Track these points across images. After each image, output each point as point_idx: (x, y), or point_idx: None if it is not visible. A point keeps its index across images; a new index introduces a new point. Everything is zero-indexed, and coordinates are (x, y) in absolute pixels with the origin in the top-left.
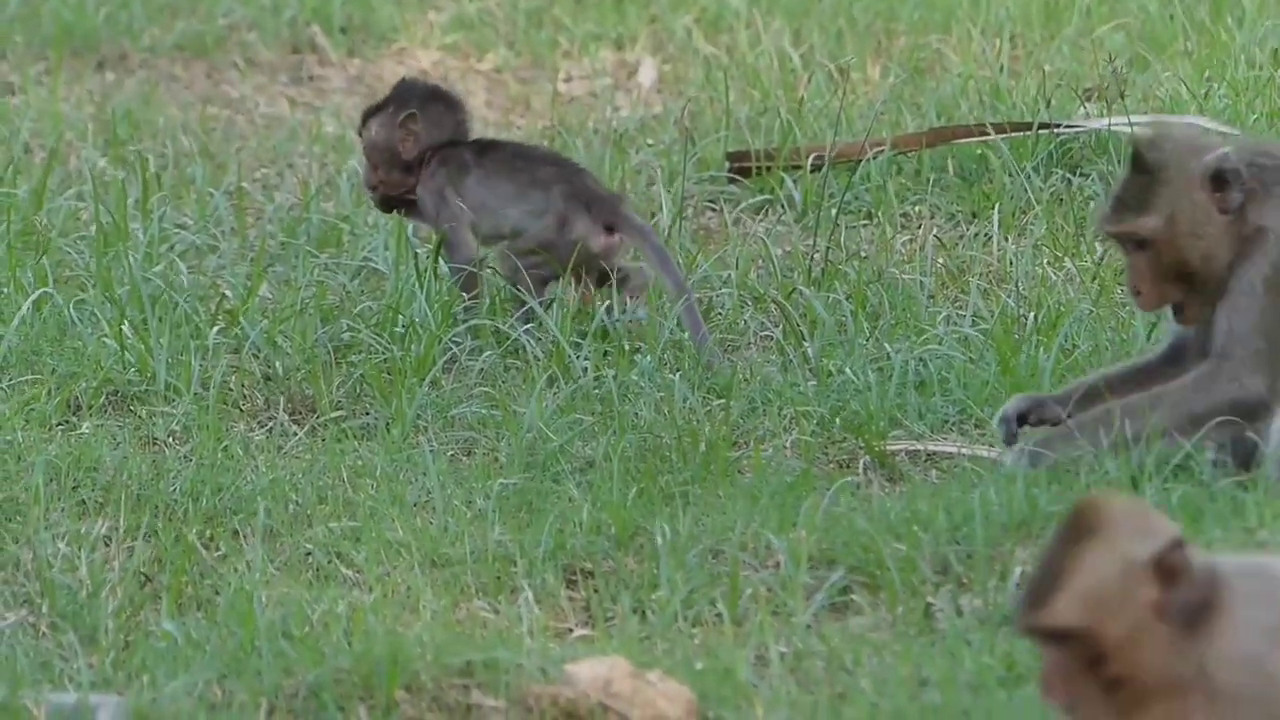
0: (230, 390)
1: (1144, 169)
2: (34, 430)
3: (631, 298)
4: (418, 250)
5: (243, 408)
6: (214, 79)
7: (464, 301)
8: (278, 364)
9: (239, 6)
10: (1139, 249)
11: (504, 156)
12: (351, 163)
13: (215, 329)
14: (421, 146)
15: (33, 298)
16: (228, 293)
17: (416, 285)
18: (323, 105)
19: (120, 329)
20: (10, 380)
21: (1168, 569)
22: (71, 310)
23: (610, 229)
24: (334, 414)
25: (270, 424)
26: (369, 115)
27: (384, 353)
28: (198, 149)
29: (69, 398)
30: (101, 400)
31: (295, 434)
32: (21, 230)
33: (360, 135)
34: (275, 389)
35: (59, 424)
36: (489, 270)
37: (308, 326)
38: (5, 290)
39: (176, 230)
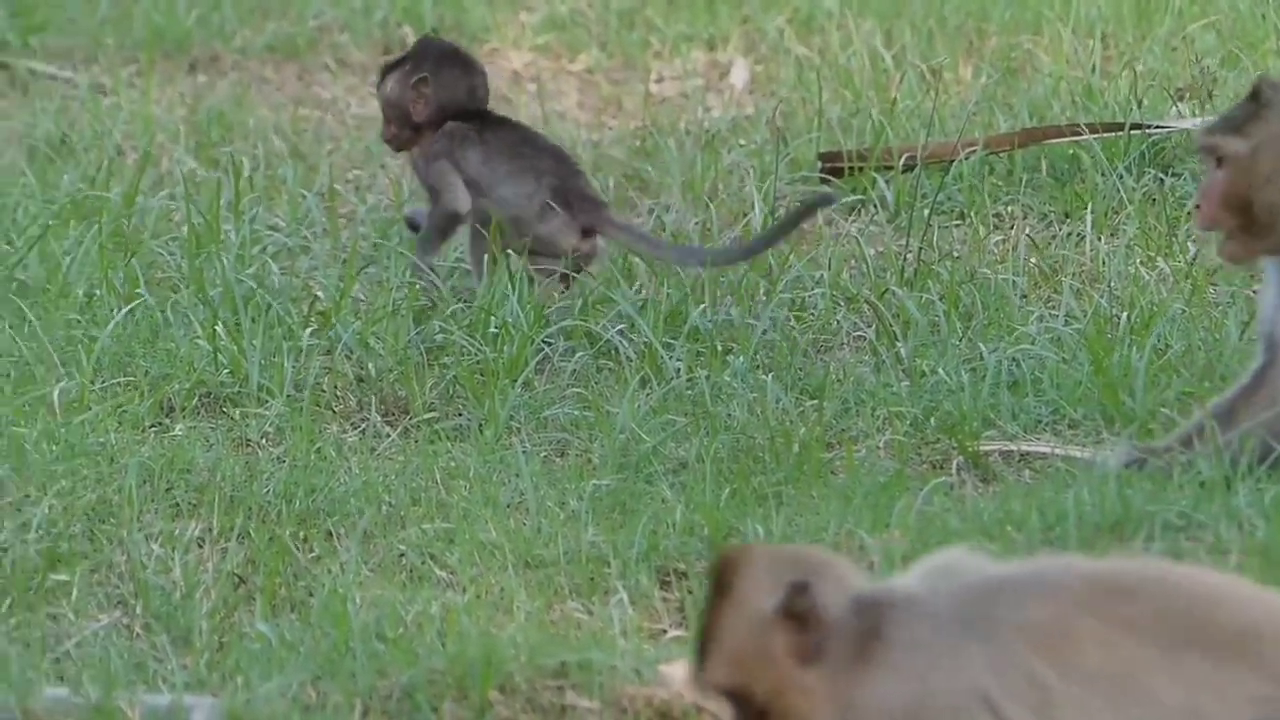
0: (323, 392)
1: (1256, 99)
2: (127, 432)
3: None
4: (509, 251)
5: (336, 409)
6: (305, 80)
7: (424, 253)
8: (370, 365)
9: (330, 8)
10: (1218, 166)
11: (510, 139)
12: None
13: (308, 330)
14: (432, 109)
15: (129, 307)
16: (320, 294)
17: (509, 286)
18: None
19: (213, 331)
20: (104, 382)
21: (796, 616)
22: (164, 312)
23: (588, 232)
24: (427, 415)
25: (363, 425)
26: (387, 70)
27: (476, 354)
28: (289, 150)
29: (162, 400)
30: (194, 402)
31: (388, 435)
32: (113, 232)
33: (377, 89)
34: (368, 390)
35: (152, 426)
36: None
37: (400, 328)
38: (98, 293)
39: (268, 232)
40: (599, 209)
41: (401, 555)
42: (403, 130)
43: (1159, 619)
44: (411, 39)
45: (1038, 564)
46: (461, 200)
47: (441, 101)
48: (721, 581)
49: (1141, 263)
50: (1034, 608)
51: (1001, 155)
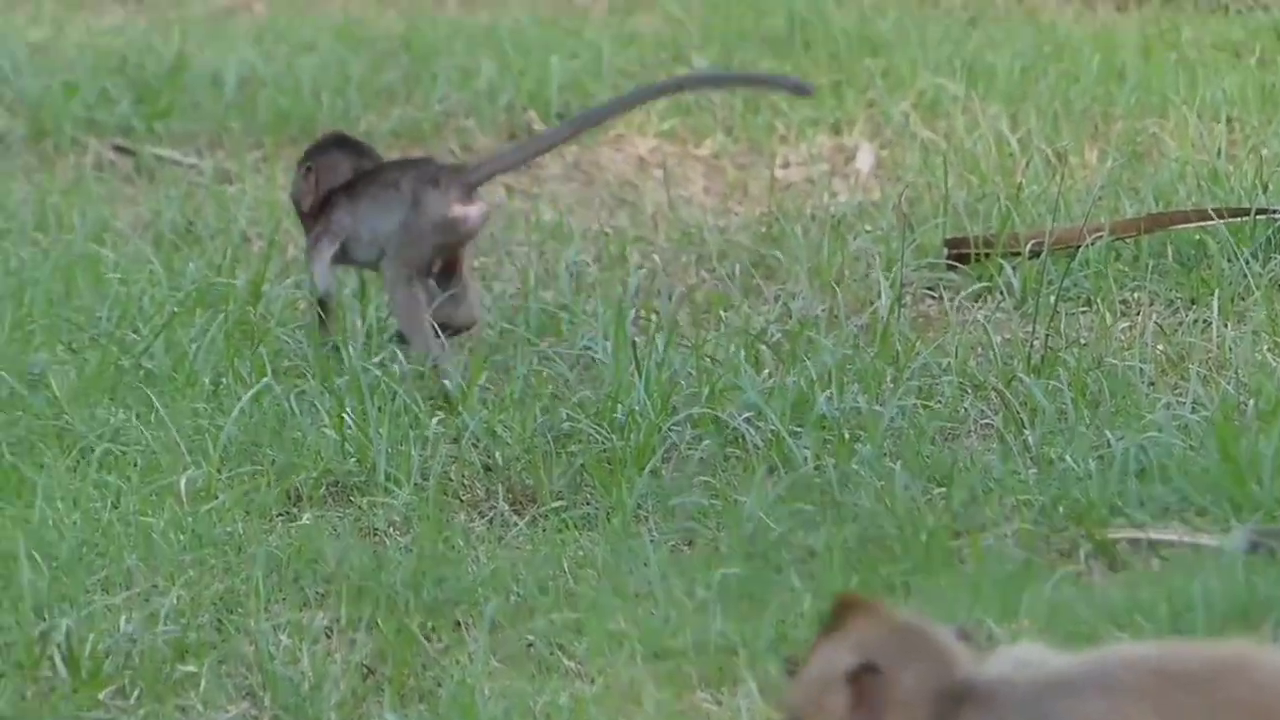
0: (450, 480)
1: None
2: (255, 521)
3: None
4: (635, 340)
5: (463, 498)
6: None
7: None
8: (498, 454)
9: (455, 92)
10: None
11: (361, 182)
12: (570, 251)
13: (435, 419)
14: (320, 195)
15: (255, 394)
16: (447, 382)
17: (635, 374)
18: (540, 193)
19: (340, 419)
20: (231, 471)
21: (857, 689)
22: (291, 401)
23: (466, 199)
24: (554, 504)
25: (491, 514)
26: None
27: (604, 442)
28: None
29: (289, 489)
30: (322, 491)
31: (516, 524)
32: (239, 320)
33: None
34: (495, 479)
35: (279, 515)
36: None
37: (527, 416)
38: (224, 381)
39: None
40: (461, 170)
41: (530, 645)
42: (306, 224)
43: (1226, 711)
44: (537, 124)
45: (1107, 655)
46: (321, 280)
47: (327, 186)
48: (833, 620)
49: (1268, 349)
50: (1093, 703)
51: (1127, 241)
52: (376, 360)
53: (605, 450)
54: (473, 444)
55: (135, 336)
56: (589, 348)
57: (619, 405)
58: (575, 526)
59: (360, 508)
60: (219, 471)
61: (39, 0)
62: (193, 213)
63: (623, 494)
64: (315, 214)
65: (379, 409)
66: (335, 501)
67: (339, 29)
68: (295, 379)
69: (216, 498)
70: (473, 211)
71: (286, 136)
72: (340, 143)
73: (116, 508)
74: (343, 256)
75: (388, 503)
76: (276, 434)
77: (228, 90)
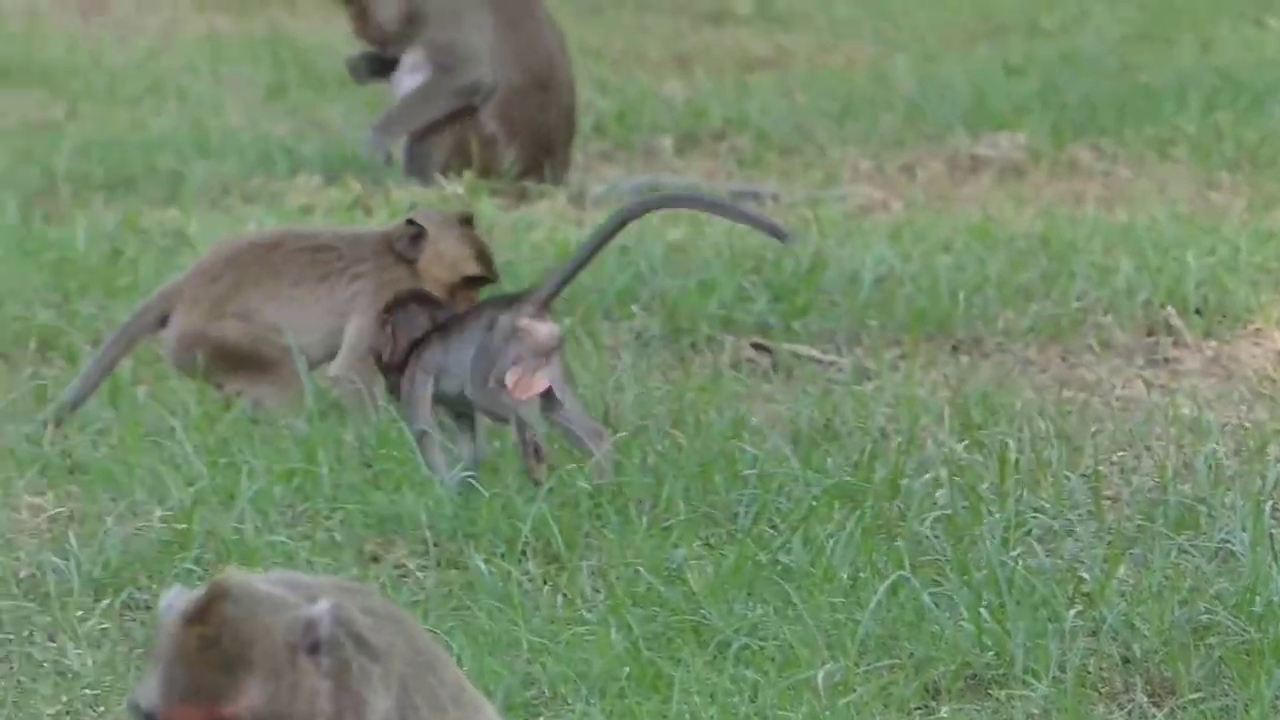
0: (1088, 673)
1: None
2: (893, 715)
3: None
4: (1273, 532)
5: (1101, 690)
6: (1069, 362)
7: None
8: (1136, 646)
9: (1094, 289)
10: None
11: (453, 321)
12: (1208, 445)
13: (1073, 611)
14: (401, 347)
15: (891, 588)
16: (1085, 575)
17: (1273, 566)
18: (1178, 387)
19: (977, 613)
20: (868, 665)
21: None
22: (928, 595)
23: (537, 314)
24: (1192, 695)
25: (1129, 706)
26: None
27: (1242, 634)
28: (1053, 432)
29: (927, 682)
30: (960, 684)
31: (1154, 716)
32: (876, 516)
33: None
34: (1133, 671)
35: (917, 708)
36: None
37: (1165, 608)
38: (861, 575)
39: (1033, 514)
40: (532, 290)
41: None
42: (387, 375)
43: None
44: (1175, 320)
45: None
46: (417, 418)
47: (410, 336)
48: None
49: None
50: None
51: None
52: (1015, 553)
53: (1244, 642)
54: (1111, 636)
55: (772, 531)
56: (1227, 540)
57: (1257, 597)
58: (1213, 718)
59: (999, 700)
60: (856, 665)
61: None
62: (830, 409)
63: (1261, 686)
64: (399, 365)
65: (1017, 602)
66: (973, 694)
67: (975, 227)
68: (933, 572)
69: (854, 691)
70: (542, 326)
71: (924, 334)
72: (418, 298)
73: (754, 702)
74: (439, 395)
75: (1026, 695)
76: (914, 627)
77: (864, 288)
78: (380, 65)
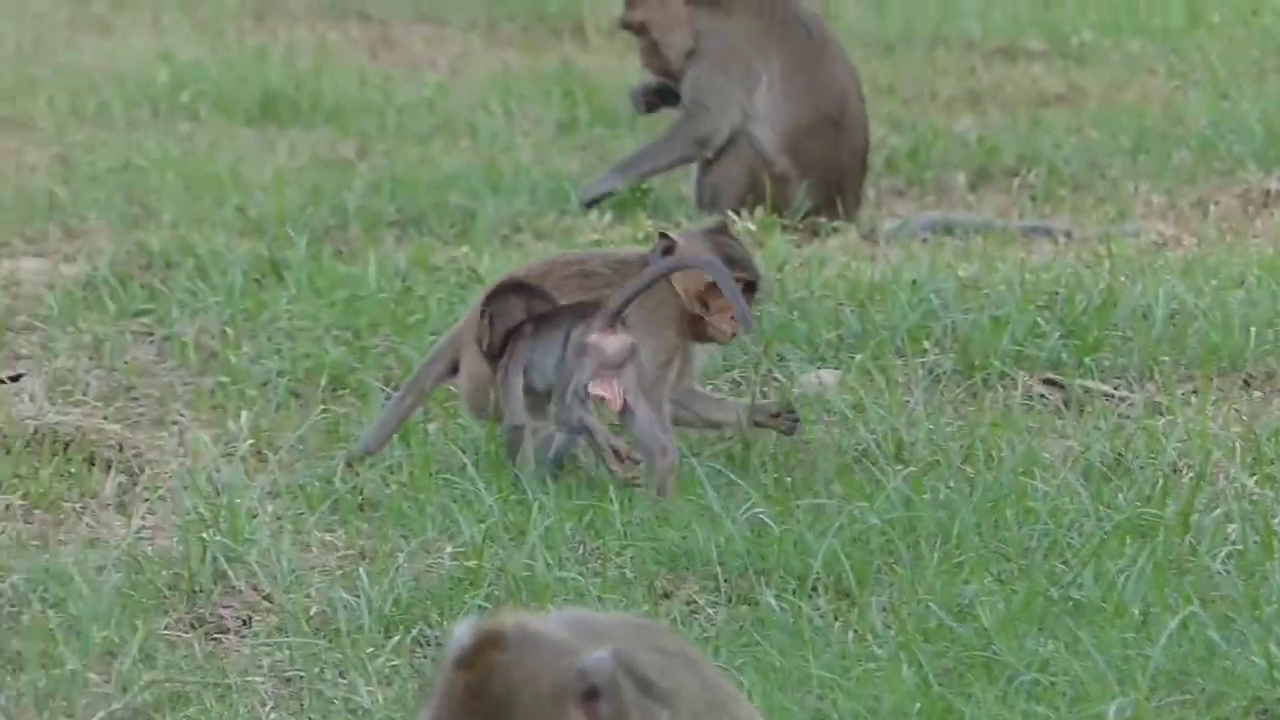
0: None
1: None
2: None
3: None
4: None
5: None
6: None
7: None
8: None
9: None
10: None
11: (544, 319)
12: None
13: None
14: (499, 336)
15: (1182, 623)
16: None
17: None
18: None
19: (1267, 648)
20: (1159, 701)
21: None
22: (1219, 630)
23: (606, 328)
24: None
25: None
26: None
27: None
28: None
29: (1218, 717)
30: (1250, 719)
31: None
32: (1167, 550)
33: None
34: None
35: None
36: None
37: None
38: (1153, 610)
39: None
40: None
41: None
42: (490, 365)
43: None
44: None
45: None
46: (512, 413)
47: (504, 327)
48: None
49: None
50: None
51: None
52: None
53: None
54: None
55: (1063, 567)
56: None
57: None
58: None
59: None
60: (1147, 700)
61: (969, 236)
62: (1122, 445)
63: None
64: (496, 355)
65: None
66: None
67: (1268, 262)
68: (1224, 608)
69: None
70: (612, 340)
71: (1216, 369)
72: (515, 288)
73: None
74: (528, 388)
75: None
76: (1205, 662)
77: (1156, 324)
78: (670, 96)
